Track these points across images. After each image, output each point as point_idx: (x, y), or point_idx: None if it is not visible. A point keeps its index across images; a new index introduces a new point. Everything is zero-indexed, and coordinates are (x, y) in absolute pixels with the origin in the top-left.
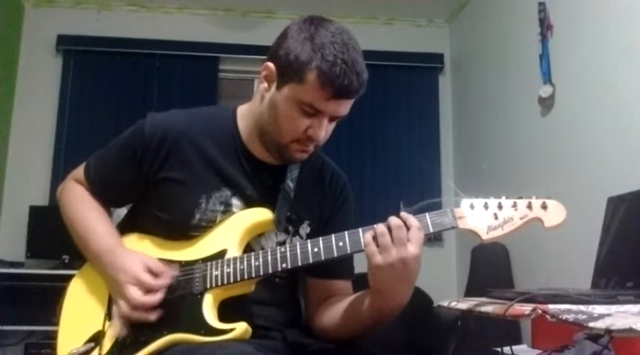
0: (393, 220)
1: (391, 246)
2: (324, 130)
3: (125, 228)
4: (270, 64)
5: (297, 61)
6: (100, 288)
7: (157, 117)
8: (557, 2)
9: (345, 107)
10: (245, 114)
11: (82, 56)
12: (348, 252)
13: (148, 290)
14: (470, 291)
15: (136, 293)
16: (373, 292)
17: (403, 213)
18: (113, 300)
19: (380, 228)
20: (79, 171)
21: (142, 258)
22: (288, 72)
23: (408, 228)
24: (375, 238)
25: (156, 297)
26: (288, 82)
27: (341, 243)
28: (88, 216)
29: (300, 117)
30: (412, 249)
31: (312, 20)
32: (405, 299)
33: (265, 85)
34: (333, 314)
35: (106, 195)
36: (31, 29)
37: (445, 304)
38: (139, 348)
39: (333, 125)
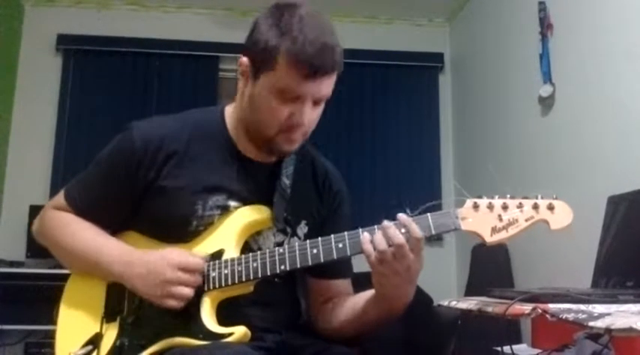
0: (393, 234)
1: (392, 260)
2: (307, 115)
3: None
4: (244, 59)
5: (266, 48)
6: (97, 290)
7: (146, 126)
8: (557, 2)
9: (325, 86)
10: (232, 114)
11: (82, 55)
12: (348, 254)
13: (187, 285)
14: (470, 290)
15: (184, 290)
16: (378, 296)
17: (404, 219)
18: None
19: (380, 243)
20: (59, 200)
21: (166, 254)
22: (260, 62)
23: (408, 235)
24: (375, 249)
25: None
26: (262, 72)
27: (340, 245)
28: (85, 233)
29: (280, 105)
30: (414, 257)
31: (278, 7)
32: (410, 298)
33: (243, 80)
34: (338, 316)
35: (96, 218)
36: (31, 29)
37: (445, 303)
38: (138, 351)
39: (319, 110)
